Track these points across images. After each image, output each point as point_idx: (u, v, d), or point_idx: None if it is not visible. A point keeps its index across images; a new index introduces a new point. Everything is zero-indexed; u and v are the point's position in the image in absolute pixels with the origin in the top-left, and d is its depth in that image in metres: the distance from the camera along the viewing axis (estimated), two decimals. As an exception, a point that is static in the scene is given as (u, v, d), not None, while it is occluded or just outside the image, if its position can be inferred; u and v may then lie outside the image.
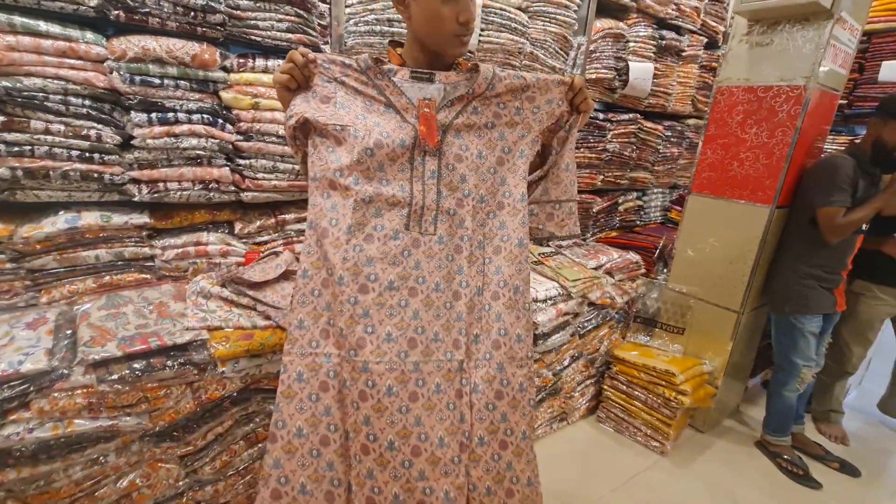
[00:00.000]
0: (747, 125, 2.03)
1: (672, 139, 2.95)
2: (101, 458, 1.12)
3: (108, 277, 1.35)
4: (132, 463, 1.17)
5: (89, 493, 1.12)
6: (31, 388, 1.01)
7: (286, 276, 1.49)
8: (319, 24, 1.53)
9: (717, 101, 2.12)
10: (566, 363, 2.21)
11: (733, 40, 2.05)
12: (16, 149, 1.17)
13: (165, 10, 1.28)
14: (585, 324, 2.25)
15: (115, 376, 1.07)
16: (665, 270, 2.49)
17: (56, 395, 1.03)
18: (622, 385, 2.29)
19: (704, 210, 2.23)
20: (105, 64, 1.24)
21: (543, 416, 2.17)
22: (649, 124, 2.74)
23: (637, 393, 2.23)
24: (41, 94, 1.18)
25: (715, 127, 2.15)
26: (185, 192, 1.40)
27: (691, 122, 3.05)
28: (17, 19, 1.13)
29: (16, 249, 1.22)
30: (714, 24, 2.82)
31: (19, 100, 1.15)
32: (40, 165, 1.20)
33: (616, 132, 2.58)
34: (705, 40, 2.83)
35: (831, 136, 2.64)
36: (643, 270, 2.53)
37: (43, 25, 1.16)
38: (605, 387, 2.35)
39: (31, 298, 1.26)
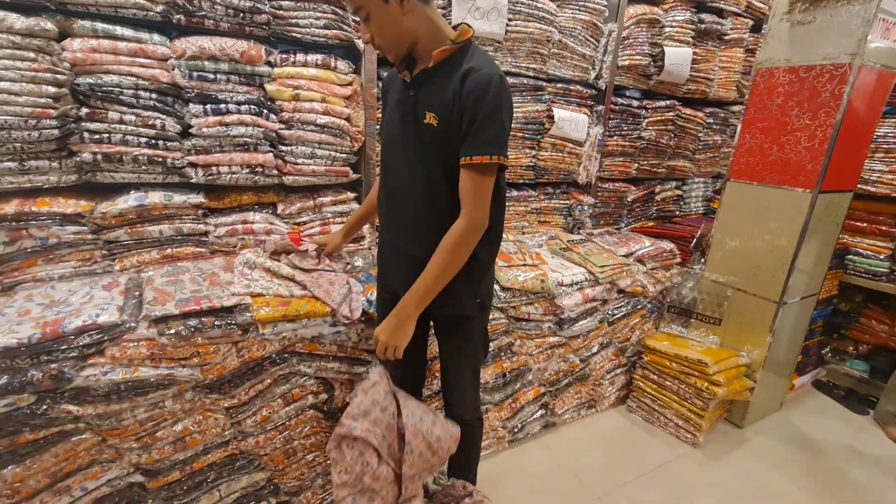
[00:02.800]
0: (788, 107, 1.96)
1: (714, 126, 2.85)
2: (160, 402, 1.28)
3: (169, 250, 1.53)
4: (186, 410, 1.33)
5: (151, 432, 1.29)
6: (105, 338, 1.19)
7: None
8: (354, 21, 1.65)
9: (757, 84, 2.06)
10: (594, 350, 2.22)
11: (773, 20, 1.98)
12: (97, 136, 1.37)
13: (218, 12, 1.44)
14: (615, 311, 2.24)
15: (172, 331, 1.23)
16: (702, 260, 2.42)
17: (125, 344, 1.20)
18: (653, 374, 2.26)
19: (743, 197, 2.16)
20: (168, 62, 1.42)
21: (570, 401, 2.19)
22: (688, 111, 2.68)
23: (668, 383, 2.20)
24: (117, 89, 1.37)
25: (754, 110, 2.08)
26: (234, 175, 1.56)
27: (736, 108, 2.93)
28: (99, 25, 1.32)
29: (95, 223, 1.42)
30: (760, 4, 2.70)
31: (100, 94, 1.35)
32: (116, 150, 1.40)
33: (651, 119, 2.54)
34: (751, 23, 2.72)
35: (893, 120, 2.46)
36: (678, 259, 2.48)
37: (119, 30, 1.35)
38: (636, 376, 2.33)
39: (107, 266, 1.47)
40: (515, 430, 2.04)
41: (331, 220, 1.79)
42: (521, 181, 2.27)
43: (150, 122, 1.42)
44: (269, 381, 1.43)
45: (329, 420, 1.57)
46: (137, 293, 1.35)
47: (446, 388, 1.45)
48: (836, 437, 2.28)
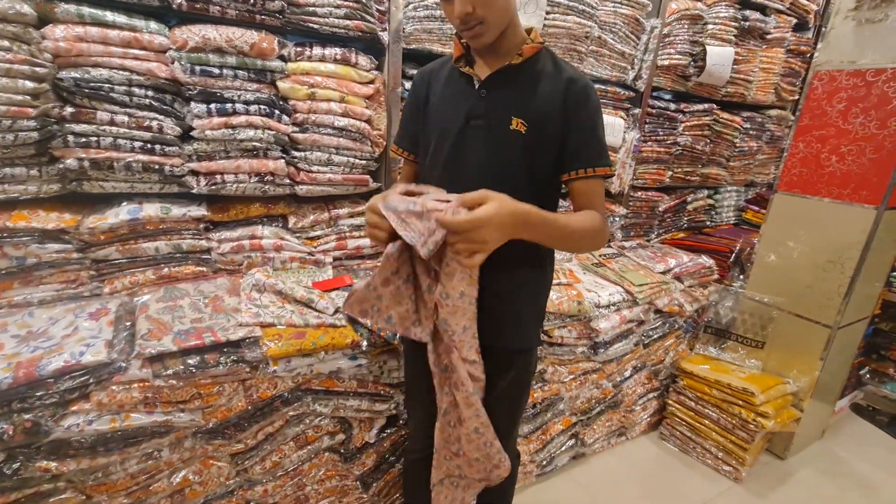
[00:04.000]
0: (851, 115, 1.78)
1: (751, 132, 2.68)
2: (155, 452, 1.10)
3: (166, 269, 1.35)
4: (185, 459, 1.15)
5: (144, 486, 1.11)
6: (91, 380, 1.00)
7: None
8: (378, 10, 1.46)
9: (814, 88, 1.88)
10: (627, 374, 2.05)
11: (836, 17, 1.80)
12: (83, 139, 1.18)
13: (226, -3, 1.25)
14: (650, 332, 2.07)
15: (169, 371, 1.05)
16: (742, 277, 2.25)
17: (114, 387, 1.02)
18: (690, 401, 2.09)
19: (792, 210, 1.99)
20: (167, 54, 1.23)
21: (601, 429, 2.02)
22: (726, 115, 2.50)
23: (708, 411, 2.03)
24: (107, 85, 1.18)
25: (810, 117, 1.90)
26: (241, 185, 1.37)
27: (773, 113, 2.75)
28: (86, 10, 1.13)
29: (82, 239, 1.23)
30: (805, 2, 2.52)
31: (87, 90, 1.16)
32: (105, 156, 1.20)
33: (688, 124, 2.36)
34: (794, 21, 2.54)
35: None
36: (716, 276, 2.31)
37: (109, 16, 1.15)
38: (670, 401, 2.16)
39: (94, 288, 1.28)
40: (544, 463, 1.87)
41: (347, 234, 1.60)
42: (552, 190, 2.09)
43: (145, 124, 1.23)
44: (280, 422, 1.25)
45: (346, 463, 1.40)
46: (129, 323, 1.16)
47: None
48: (884, 469, 2.12)
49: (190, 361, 1.07)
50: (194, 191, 1.33)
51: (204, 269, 1.40)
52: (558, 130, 0.98)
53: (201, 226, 1.38)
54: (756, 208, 2.84)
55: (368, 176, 1.58)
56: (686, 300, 2.14)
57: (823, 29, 1.84)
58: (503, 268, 1.01)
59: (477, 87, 1.00)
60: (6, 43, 1.06)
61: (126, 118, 1.21)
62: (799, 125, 1.94)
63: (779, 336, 2.08)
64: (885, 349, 2.66)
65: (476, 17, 0.88)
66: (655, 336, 2.09)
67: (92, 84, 1.16)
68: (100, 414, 1.01)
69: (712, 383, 2.01)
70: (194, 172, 1.33)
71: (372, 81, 1.51)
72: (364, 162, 1.55)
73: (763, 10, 2.41)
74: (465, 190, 1.02)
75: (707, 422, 2.03)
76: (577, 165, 1.00)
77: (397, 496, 1.54)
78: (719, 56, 2.24)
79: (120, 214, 1.24)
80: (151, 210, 1.28)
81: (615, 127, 2.08)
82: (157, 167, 1.26)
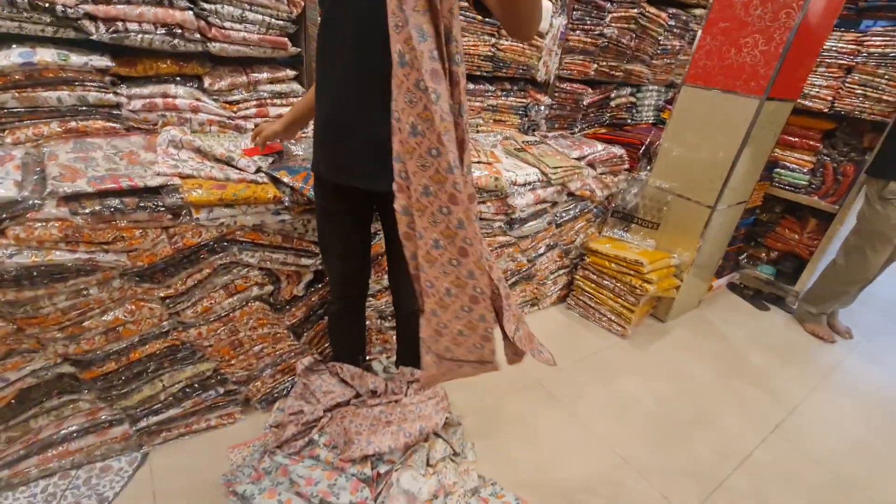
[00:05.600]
0: (752, 6, 1.91)
1: (675, 30, 2.78)
2: (84, 290, 1.17)
3: (73, 123, 1.31)
4: (115, 299, 1.23)
5: (76, 322, 1.19)
6: (4, 216, 1.03)
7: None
8: None
9: (725, -21, 1.97)
10: (541, 251, 2.29)
11: None
12: (-48, -36, 1.07)
13: None
14: (563, 214, 2.29)
15: (87, 210, 1.09)
16: (648, 167, 2.49)
17: (31, 224, 1.05)
18: (593, 275, 2.39)
19: (694, 103, 2.18)
20: None
21: (515, 299, 2.29)
22: (653, 10, 2.57)
23: (606, 282, 2.34)
24: None
25: (718, 10, 2.02)
26: (146, 36, 1.31)
27: (698, 11, 2.86)
28: None
29: (-30, 83, 1.16)
30: None
31: None
32: (-17, -13, 1.11)
33: (616, 15, 2.42)
34: (726, -86, 2.55)
35: (837, 33, 2.50)
36: (626, 166, 2.53)
37: None
38: (577, 276, 2.46)
39: (-6, 138, 1.24)
40: (463, 324, 2.12)
41: (268, 101, 1.60)
42: (479, 72, 2.13)
43: (26, -47, 1.13)
44: (207, 270, 1.34)
45: (277, 313, 1.53)
46: (39, 169, 1.16)
47: (394, 279, 1.43)
48: (741, 329, 2.60)
49: (109, 203, 1.11)
50: (93, 37, 1.26)
51: (116, 125, 1.37)
52: None
53: (107, 79, 1.33)
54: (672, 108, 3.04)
55: (287, 39, 1.55)
56: (597, 186, 2.36)
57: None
58: (369, 113, 1.04)
59: None
60: None
61: (1, -58, 1.10)
62: (708, 18, 2.06)
63: (671, 218, 2.37)
64: (761, 237, 3.10)
65: None
66: (567, 217, 2.31)
67: None
68: (19, 249, 1.05)
69: (612, 258, 2.30)
70: (91, 17, 1.25)
71: (286, -70, 1.43)
72: (281, 23, 1.51)
73: None
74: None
75: (605, 291, 2.35)
76: None
77: (327, 345, 1.73)
78: (650, -57, 2.26)
79: (11, 57, 1.17)
80: (47, 55, 1.22)
81: (543, 9, 2.10)
82: (46, 5, 1.18)
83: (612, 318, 2.35)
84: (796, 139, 2.76)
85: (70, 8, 1.20)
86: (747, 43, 1.95)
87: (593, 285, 2.40)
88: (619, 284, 2.29)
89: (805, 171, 2.76)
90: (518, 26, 0.89)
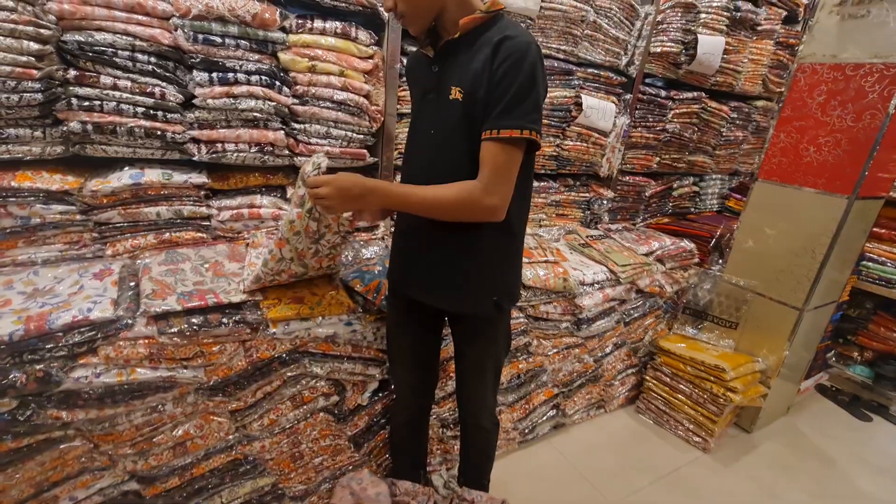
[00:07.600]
0: (830, 107, 1.86)
1: (737, 122, 2.75)
2: (159, 406, 1.16)
3: (167, 234, 1.38)
4: (187, 413, 1.21)
5: (148, 437, 1.17)
6: (98, 335, 1.05)
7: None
8: (379, -15, 1.48)
9: (797, 80, 1.95)
10: (608, 350, 2.15)
11: (821, 11, 1.86)
12: (87, 103, 1.20)
13: (229, -34, 1.26)
14: (632, 311, 2.17)
15: (174, 329, 1.10)
16: (721, 261, 2.35)
17: (121, 343, 1.07)
18: (665, 377, 2.20)
19: (771, 198, 2.08)
20: (170, 21, 1.25)
21: (581, 401, 2.13)
22: (714, 104, 2.56)
23: (682, 386, 2.14)
24: (110, 50, 1.20)
25: (791, 108, 1.98)
26: (241, 154, 1.40)
27: (760, 103, 2.83)
28: (90, -27, 1.14)
29: (85, 202, 1.26)
30: (796, -5, 2.58)
31: (90, 54, 1.17)
32: (108, 121, 1.23)
33: (677, 111, 2.43)
34: (784, 13, 2.60)
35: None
36: (696, 260, 2.41)
37: (113, -20, 1.17)
38: (647, 377, 2.28)
39: (97, 250, 1.31)
40: (526, 431, 1.97)
41: (344, 206, 1.65)
42: (543, 171, 2.15)
43: (147, 90, 1.25)
44: (277, 382, 1.31)
45: (339, 423, 1.47)
46: (133, 283, 1.21)
47: (463, 392, 1.36)
48: (843, 444, 2.27)
49: (193, 320, 1.13)
50: (195, 158, 1.36)
51: (204, 235, 1.44)
52: (487, 93, 0.95)
53: (202, 193, 1.42)
54: (739, 196, 2.94)
55: (366, 150, 1.62)
56: (667, 281, 2.24)
57: (810, 22, 1.90)
58: (445, 233, 1.06)
59: (429, 65, 1.05)
60: (11, 3, 1.07)
61: (129, 83, 1.23)
62: (781, 116, 2.01)
63: (751, 317, 2.19)
64: (851, 334, 2.81)
65: (398, 11, 0.99)
66: (636, 315, 2.18)
67: (95, 48, 1.18)
68: (107, 367, 1.06)
69: (687, 360, 2.12)
70: (195, 140, 1.36)
71: (371, 56, 1.54)
72: (362, 136, 1.59)
73: (755, 1, 2.46)
74: (417, 161, 1.14)
75: (681, 396, 2.15)
76: (484, 126, 0.96)
77: (386, 457, 1.62)
78: (710, 45, 2.30)
79: (122, 178, 1.27)
80: (153, 175, 1.31)
81: (606, 111, 2.14)
82: (159, 133, 1.29)
83: (691, 427, 2.12)
84: (884, 231, 2.56)
85: (178, 135, 1.31)
86: (828, 142, 1.87)
87: (667, 389, 2.20)
88: (697, 391, 2.09)
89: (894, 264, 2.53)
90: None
